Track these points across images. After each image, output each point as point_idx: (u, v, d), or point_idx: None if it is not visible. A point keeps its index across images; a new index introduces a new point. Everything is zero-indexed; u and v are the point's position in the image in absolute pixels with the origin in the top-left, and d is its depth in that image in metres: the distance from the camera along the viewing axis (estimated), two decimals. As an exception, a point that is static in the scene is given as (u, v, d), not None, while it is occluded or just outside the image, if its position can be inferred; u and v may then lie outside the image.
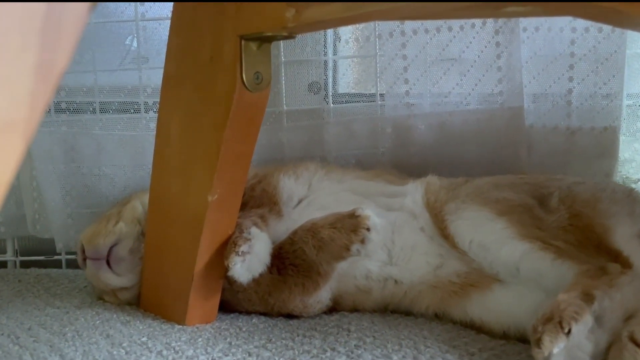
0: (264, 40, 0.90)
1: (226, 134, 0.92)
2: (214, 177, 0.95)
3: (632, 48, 1.34)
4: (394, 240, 1.10)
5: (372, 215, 0.98)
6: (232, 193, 0.99)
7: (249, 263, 0.95)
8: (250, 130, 0.95)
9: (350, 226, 0.97)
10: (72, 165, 1.39)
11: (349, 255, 0.98)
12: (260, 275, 0.98)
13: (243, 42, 0.88)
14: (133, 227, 1.11)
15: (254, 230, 0.99)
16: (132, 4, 1.39)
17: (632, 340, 0.73)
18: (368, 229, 0.96)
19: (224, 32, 0.90)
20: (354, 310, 1.11)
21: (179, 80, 1.00)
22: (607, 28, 1.29)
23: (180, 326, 1.01)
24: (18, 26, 0.30)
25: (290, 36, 0.88)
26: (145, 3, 1.39)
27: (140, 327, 1.00)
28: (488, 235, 0.99)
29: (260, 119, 0.95)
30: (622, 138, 1.36)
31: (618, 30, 1.29)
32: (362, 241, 0.96)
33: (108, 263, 1.08)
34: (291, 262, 1.03)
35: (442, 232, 1.06)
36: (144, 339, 0.95)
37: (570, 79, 1.32)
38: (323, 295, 1.07)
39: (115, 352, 0.89)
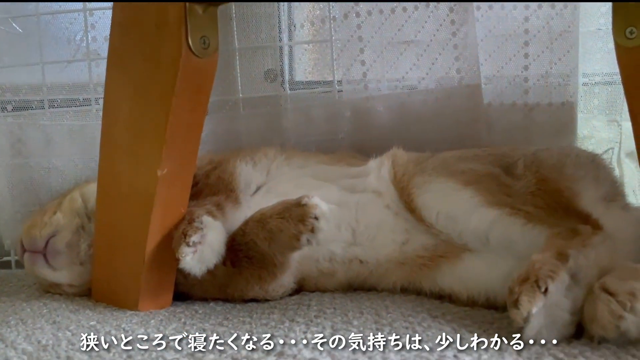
0: (210, 3, 0.87)
1: (174, 102, 0.88)
2: (163, 150, 0.91)
3: (585, 26, 1.35)
4: (358, 220, 1.07)
5: (319, 203, 0.92)
6: (182, 167, 0.95)
7: (200, 254, 0.89)
8: (200, 98, 0.92)
9: (297, 216, 0.91)
10: (20, 159, 1.33)
11: (300, 246, 0.92)
12: (215, 267, 0.92)
13: (187, 5, 0.85)
14: (71, 219, 1.06)
15: (206, 218, 0.93)
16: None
17: (604, 289, 0.72)
18: (316, 218, 0.91)
19: (168, -5, 0.86)
20: (317, 290, 1.07)
21: (125, 52, 0.96)
22: (559, 4, 1.30)
23: (133, 311, 0.96)
24: None
25: (236, -2, 0.85)
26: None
27: (90, 314, 0.95)
28: (455, 206, 0.98)
29: (209, 86, 0.92)
30: (580, 115, 1.37)
31: (570, 6, 1.29)
32: (312, 230, 0.90)
33: (45, 256, 1.03)
34: (245, 255, 0.98)
35: (408, 205, 1.04)
36: (93, 322, 0.90)
37: (526, 56, 1.31)
38: (285, 280, 1.03)
39: (60, 334, 0.83)
